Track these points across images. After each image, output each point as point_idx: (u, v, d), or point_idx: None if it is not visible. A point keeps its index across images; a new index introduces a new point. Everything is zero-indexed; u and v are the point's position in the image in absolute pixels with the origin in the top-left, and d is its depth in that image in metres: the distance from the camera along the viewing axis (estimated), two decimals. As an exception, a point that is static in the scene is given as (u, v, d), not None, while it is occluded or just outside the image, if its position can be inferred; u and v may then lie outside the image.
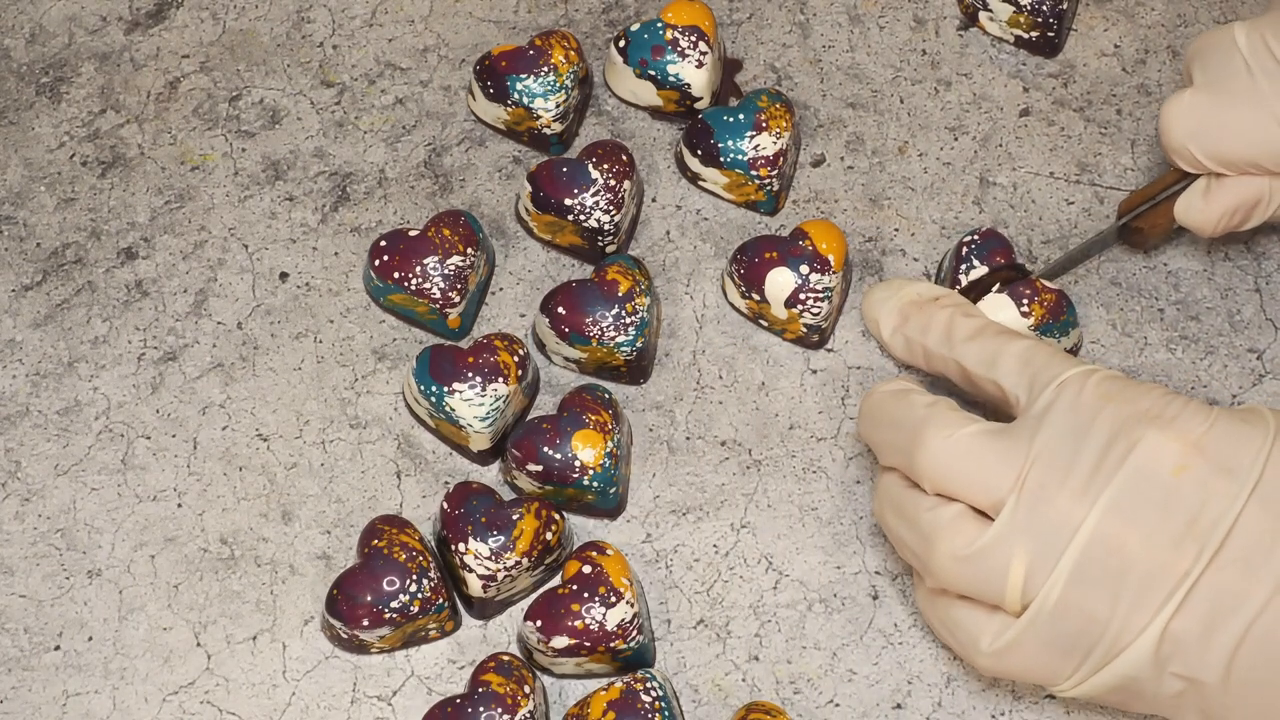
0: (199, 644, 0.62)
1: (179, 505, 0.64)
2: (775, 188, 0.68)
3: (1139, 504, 0.50)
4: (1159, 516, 0.50)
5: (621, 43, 0.69)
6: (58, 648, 0.62)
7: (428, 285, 0.65)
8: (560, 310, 0.64)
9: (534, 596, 0.61)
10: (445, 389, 0.62)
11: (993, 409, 0.60)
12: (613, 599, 0.59)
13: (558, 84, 0.68)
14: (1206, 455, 0.51)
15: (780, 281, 0.64)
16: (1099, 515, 0.50)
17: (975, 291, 0.65)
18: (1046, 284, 0.64)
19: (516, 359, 0.63)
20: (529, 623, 0.59)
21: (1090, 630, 0.51)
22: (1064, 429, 0.52)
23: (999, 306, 0.63)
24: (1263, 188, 0.61)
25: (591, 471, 0.62)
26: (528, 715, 0.58)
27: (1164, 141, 0.61)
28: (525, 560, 0.60)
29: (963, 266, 0.65)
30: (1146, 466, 0.51)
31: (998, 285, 0.64)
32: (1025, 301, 0.63)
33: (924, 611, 0.57)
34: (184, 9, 0.74)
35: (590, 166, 0.66)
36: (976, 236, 0.65)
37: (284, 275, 0.69)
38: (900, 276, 0.67)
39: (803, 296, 0.64)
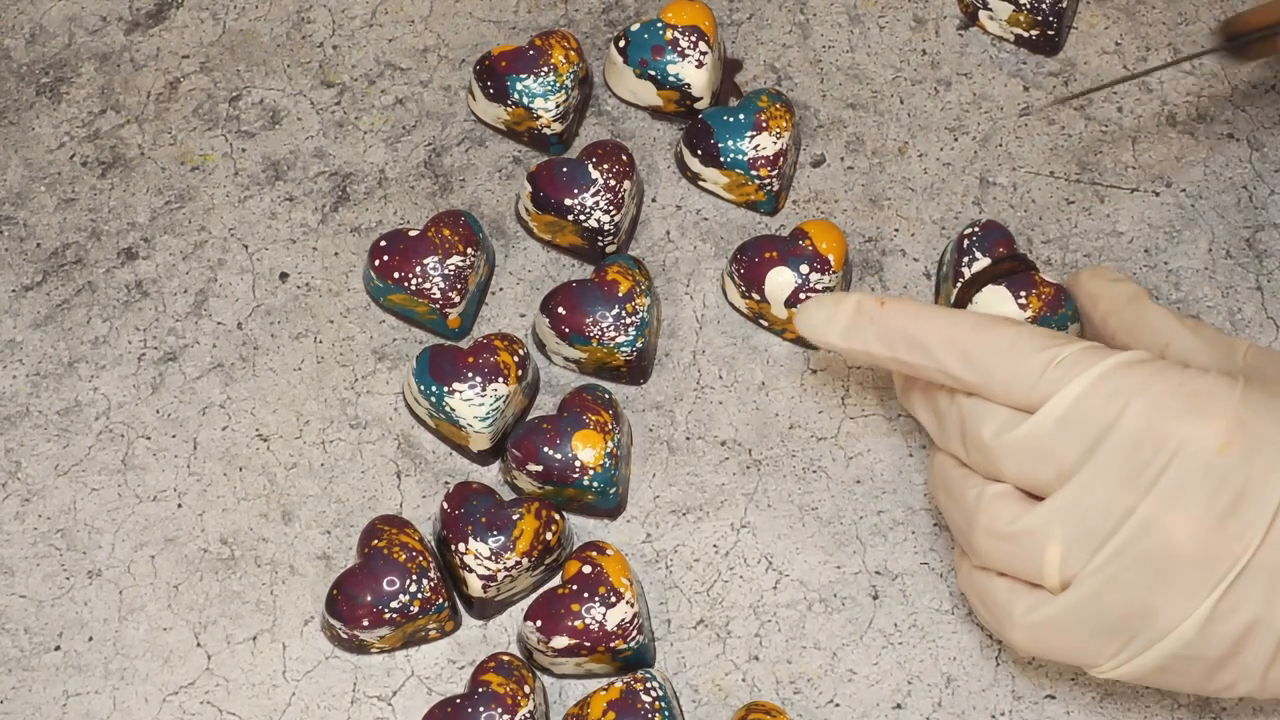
0: (199, 644, 0.62)
1: (179, 505, 0.64)
2: (775, 188, 0.68)
3: (1184, 488, 0.50)
4: (1205, 499, 0.50)
5: (621, 43, 0.69)
6: (58, 648, 0.62)
7: (428, 285, 0.65)
8: (560, 310, 0.64)
9: (534, 596, 0.61)
10: (445, 389, 0.62)
11: None
12: (613, 599, 0.59)
13: (558, 84, 0.68)
14: (1248, 429, 0.50)
15: (780, 281, 0.64)
16: (1142, 502, 0.50)
17: (979, 284, 0.65)
18: (1045, 278, 0.63)
19: (516, 359, 0.63)
20: (529, 623, 0.59)
21: (1135, 613, 0.51)
22: (1099, 420, 0.52)
23: (997, 300, 0.63)
24: None
25: (591, 471, 0.62)
26: (528, 715, 0.58)
27: None
28: (525, 560, 0.60)
29: (964, 259, 0.65)
30: (1191, 450, 0.50)
31: (999, 277, 0.64)
32: (1023, 294, 0.63)
33: (963, 586, 0.56)
34: (184, 9, 0.74)
35: (590, 166, 0.66)
36: (977, 228, 0.65)
37: (284, 275, 0.69)
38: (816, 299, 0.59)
39: (803, 296, 0.64)
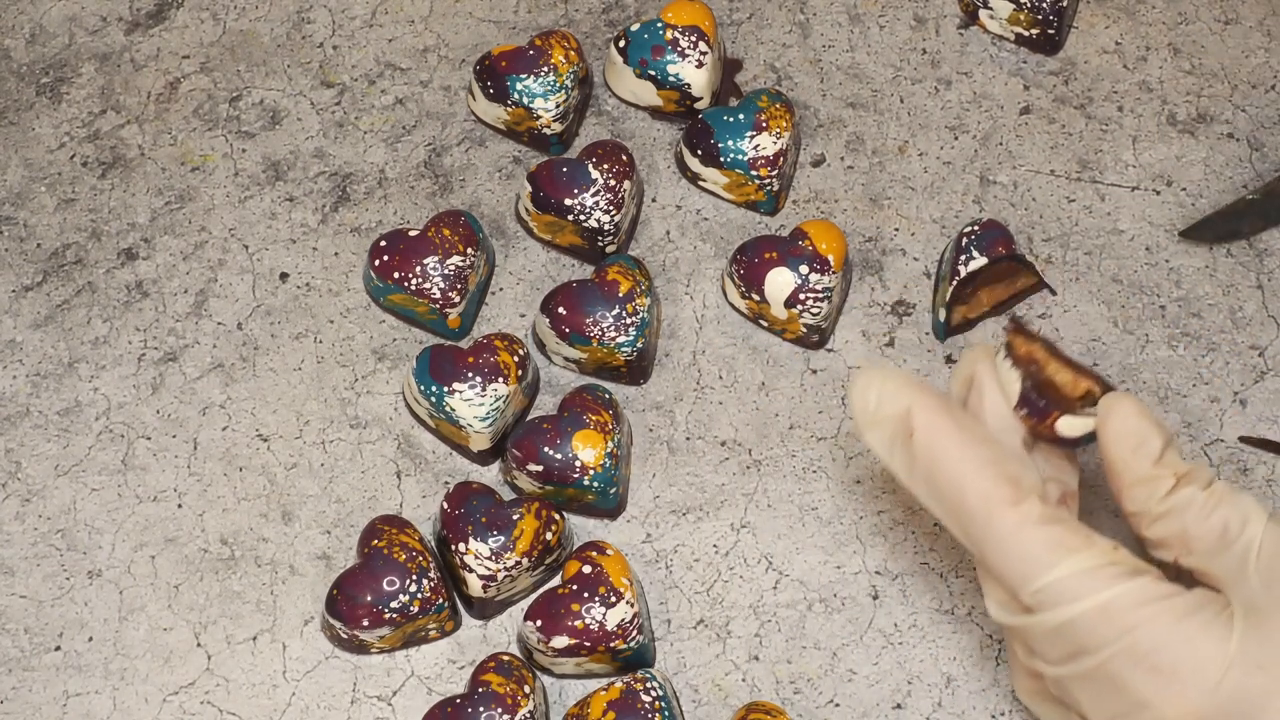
0: (199, 644, 0.62)
1: (179, 506, 0.64)
2: (775, 188, 0.68)
3: None
4: None
5: (621, 43, 0.69)
6: (58, 648, 0.62)
7: (428, 285, 0.65)
8: (560, 310, 0.64)
9: (534, 596, 0.61)
10: (445, 389, 0.62)
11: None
12: (613, 599, 0.59)
13: (558, 84, 0.68)
14: (1212, 714, 0.49)
15: (780, 281, 0.64)
16: None
17: (974, 282, 0.64)
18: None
19: (516, 359, 0.63)
20: (529, 623, 0.59)
21: None
22: (1078, 645, 0.51)
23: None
24: None
25: (592, 471, 0.61)
26: (528, 715, 0.58)
27: None
28: (525, 560, 0.60)
29: (962, 257, 0.65)
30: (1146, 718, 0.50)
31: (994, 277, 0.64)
32: None
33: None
34: (184, 9, 0.74)
35: (590, 166, 0.66)
36: (977, 227, 0.65)
37: (284, 275, 0.69)
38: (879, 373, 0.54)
39: (802, 296, 0.64)
